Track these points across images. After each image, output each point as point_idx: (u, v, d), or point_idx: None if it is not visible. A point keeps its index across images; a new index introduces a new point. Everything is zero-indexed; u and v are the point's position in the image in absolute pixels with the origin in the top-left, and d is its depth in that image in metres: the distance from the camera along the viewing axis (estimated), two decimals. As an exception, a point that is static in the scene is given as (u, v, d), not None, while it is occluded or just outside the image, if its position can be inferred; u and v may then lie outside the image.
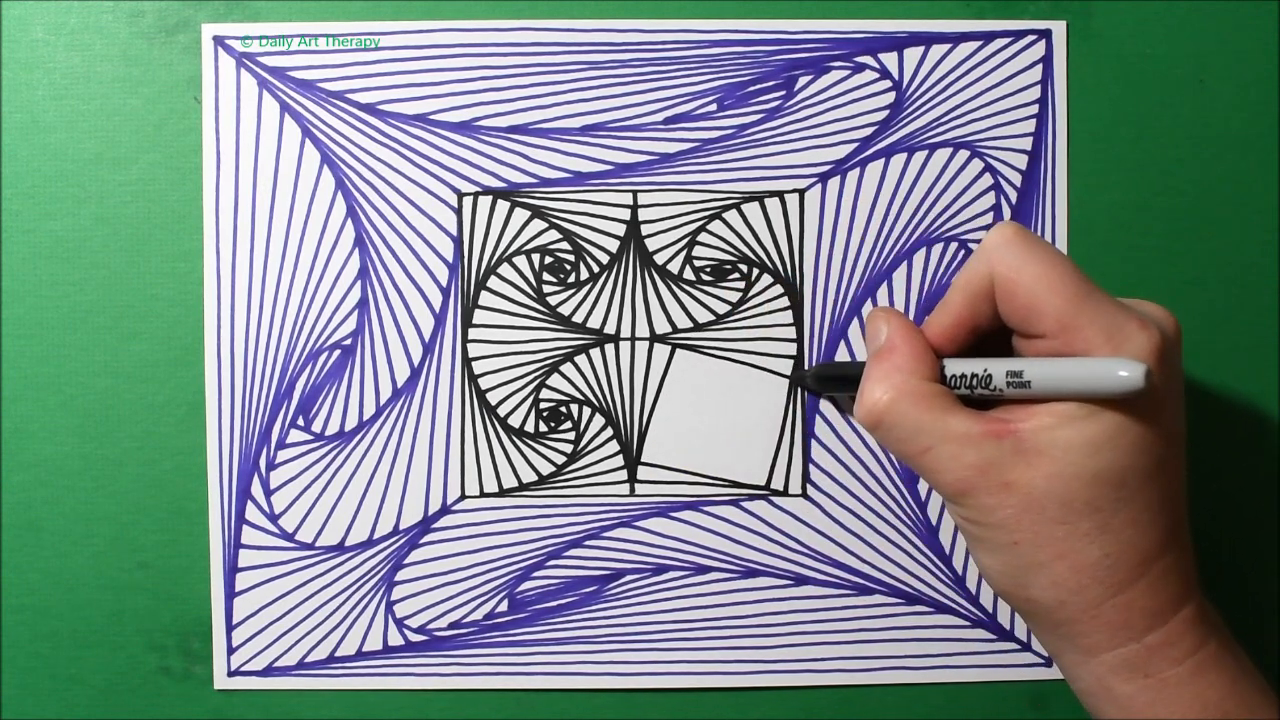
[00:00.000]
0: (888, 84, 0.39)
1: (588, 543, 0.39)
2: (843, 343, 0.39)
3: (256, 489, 0.39)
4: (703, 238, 0.39)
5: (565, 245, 0.39)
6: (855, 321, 0.39)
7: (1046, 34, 0.39)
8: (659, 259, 0.39)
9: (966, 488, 0.29)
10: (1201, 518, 0.40)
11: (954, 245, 0.39)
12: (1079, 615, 0.29)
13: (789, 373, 0.39)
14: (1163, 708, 0.29)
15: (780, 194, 0.39)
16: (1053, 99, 0.39)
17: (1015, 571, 0.29)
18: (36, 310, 0.39)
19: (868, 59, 0.39)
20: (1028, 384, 0.29)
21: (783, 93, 0.39)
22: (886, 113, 0.39)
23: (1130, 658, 0.29)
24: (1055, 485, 0.28)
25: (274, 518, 0.39)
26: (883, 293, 0.39)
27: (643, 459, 0.39)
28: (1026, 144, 0.39)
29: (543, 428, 0.39)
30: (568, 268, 0.39)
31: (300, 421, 0.39)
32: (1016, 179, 0.39)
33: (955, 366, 0.31)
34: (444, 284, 0.39)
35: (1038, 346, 0.30)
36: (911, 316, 0.39)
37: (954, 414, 0.30)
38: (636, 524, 0.39)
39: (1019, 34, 0.39)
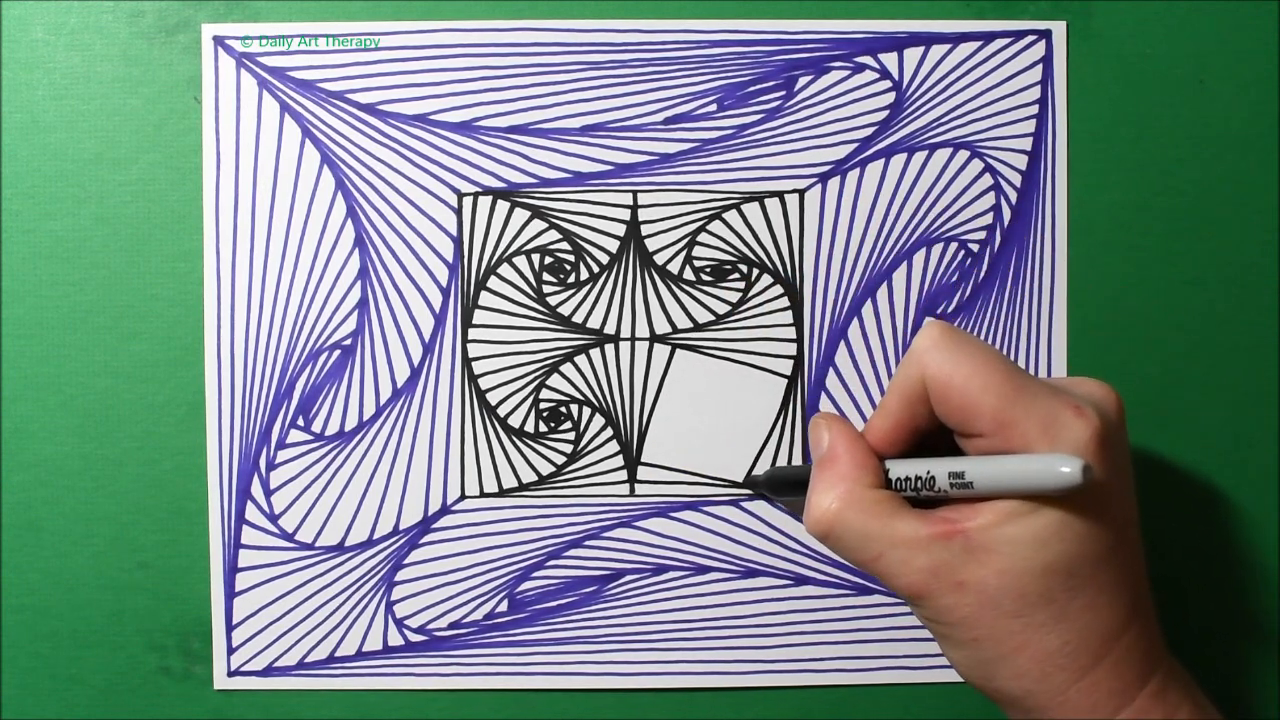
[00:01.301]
0: (888, 84, 0.39)
1: (588, 543, 0.39)
2: (842, 343, 0.39)
3: (256, 489, 0.39)
4: (703, 238, 0.39)
5: (565, 245, 0.39)
6: (855, 322, 0.39)
7: (1046, 34, 0.39)
8: (659, 259, 0.39)
9: (922, 591, 0.29)
10: (1202, 517, 0.40)
11: (954, 245, 0.39)
12: (1047, 703, 0.29)
13: (789, 373, 0.39)
14: None
15: (780, 194, 0.39)
16: (1053, 99, 0.39)
17: (980, 665, 0.30)
18: (36, 310, 0.39)
19: (868, 59, 0.39)
20: (970, 484, 0.29)
21: (783, 93, 0.39)
22: (886, 113, 0.39)
23: None
24: (1007, 581, 0.28)
25: (274, 518, 0.39)
26: (882, 293, 0.39)
27: (643, 459, 0.39)
28: (1026, 144, 0.39)
29: (543, 428, 0.39)
30: (568, 268, 0.39)
31: (300, 421, 0.39)
32: (1016, 179, 0.39)
33: (899, 469, 0.31)
34: (444, 284, 0.39)
35: (977, 445, 0.30)
36: (910, 317, 0.39)
37: (901, 519, 0.30)
38: (636, 524, 0.39)
39: (1019, 34, 0.39)
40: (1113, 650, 0.29)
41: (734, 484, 0.39)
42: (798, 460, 0.39)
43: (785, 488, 0.37)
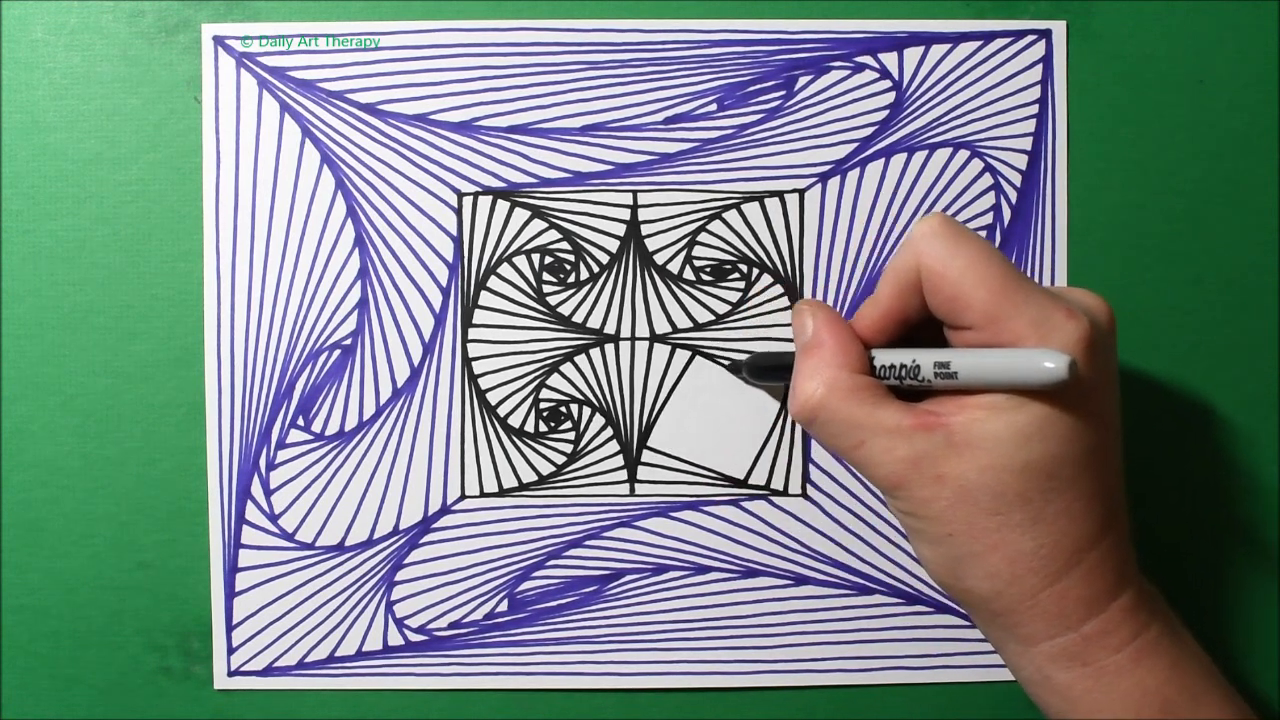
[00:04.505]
0: (888, 84, 0.39)
1: (588, 543, 0.39)
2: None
3: (256, 489, 0.39)
4: (703, 238, 0.39)
5: (565, 245, 0.39)
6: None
7: (1046, 34, 0.39)
8: (659, 259, 0.39)
9: (900, 481, 0.29)
10: (1199, 517, 0.40)
11: (954, 245, 0.39)
12: (1016, 605, 0.29)
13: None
14: (1101, 695, 0.29)
15: (780, 194, 0.39)
16: (1053, 99, 0.39)
17: (951, 563, 0.30)
18: (36, 310, 0.39)
19: (868, 59, 0.39)
20: (955, 375, 0.29)
21: (783, 93, 0.39)
22: (886, 113, 0.39)
23: (1069, 647, 0.29)
24: (987, 477, 0.28)
25: (274, 518, 0.39)
26: (883, 293, 0.39)
27: (643, 459, 0.39)
28: (1026, 144, 0.39)
29: (543, 428, 0.39)
30: (568, 268, 0.39)
31: (300, 421, 0.39)
32: (1016, 179, 0.39)
33: (884, 357, 0.31)
34: (444, 284, 0.39)
35: (967, 338, 0.29)
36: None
37: (885, 407, 0.30)
38: (636, 524, 0.39)
39: (1019, 34, 0.39)
40: (1086, 558, 0.29)
41: (734, 483, 0.39)
42: (798, 461, 0.39)
43: (769, 373, 0.37)
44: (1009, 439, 0.28)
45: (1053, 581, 0.29)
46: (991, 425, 0.28)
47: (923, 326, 0.32)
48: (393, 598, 0.39)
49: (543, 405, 0.39)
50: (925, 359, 0.30)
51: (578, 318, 0.39)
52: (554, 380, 0.39)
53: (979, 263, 0.29)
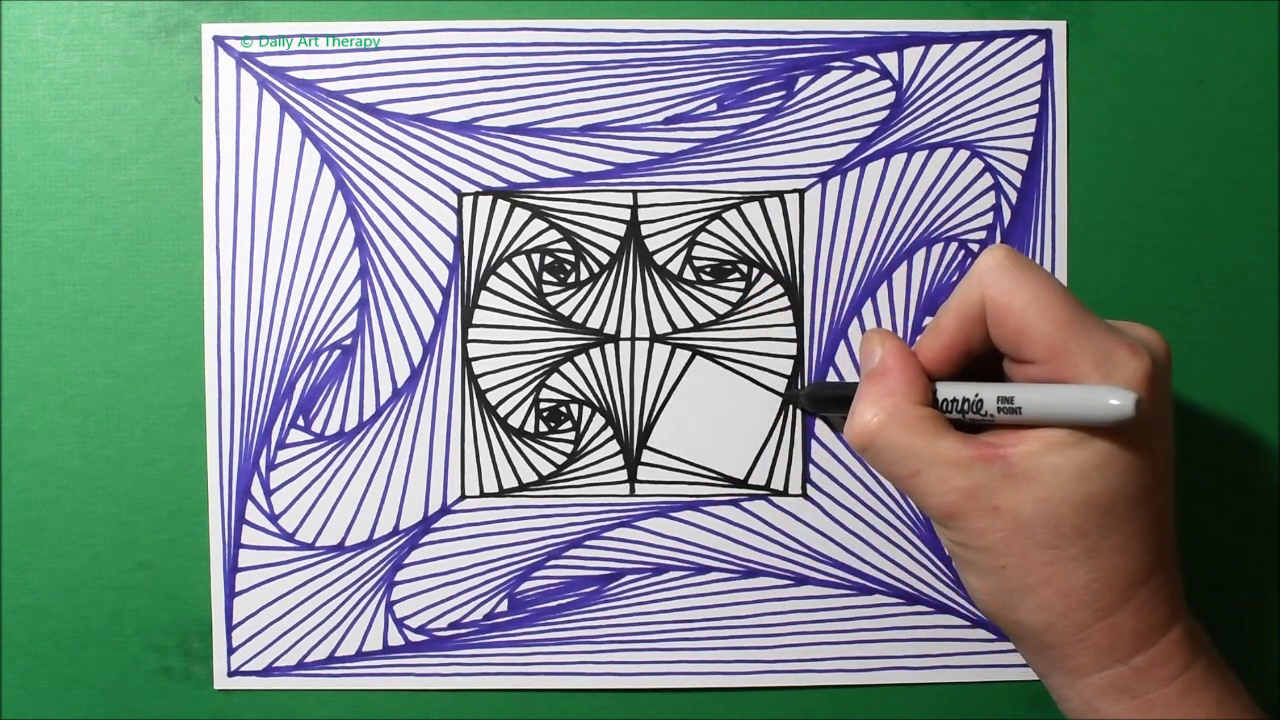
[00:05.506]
0: (888, 84, 0.39)
1: (588, 543, 0.39)
2: (842, 343, 0.39)
3: (256, 489, 0.39)
4: (703, 238, 0.39)
5: (565, 245, 0.39)
6: (855, 322, 0.39)
7: (1046, 34, 0.39)
8: (659, 259, 0.39)
9: (955, 511, 0.29)
10: (1200, 520, 0.40)
11: (954, 245, 0.39)
12: (1066, 638, 0.29)
13: (789, 373, 0.39)
14: None
15: (780, 194, 0.39)
16: (1053, 99, 0.39)
17: (1003, 594, 0.30)
18: (36, 310, 0.39)
19: (868, 59, 0.39)
20: (1018, 410, 0.29)
21: (783, 93, 0.39)
22: (886, 113, 0.39)
23: (1118, 680, 0.29)
24: (1044, 510, 0.28)
25: (274, 518, 0.39)
26: (883, 293, 0.39)
27: (643, 459, 0.39)
28: (1026, 144, 0.39)
29: (543, 428, 0.39)
30: (568, 268, 0.39)
31: (300, 421, 0.39)
32: (1016, 179, 0.39)
33: (947, 390, 0.31)
34: (444, 284, 0.39)
35: (1029, 371, 0.30)
36: (911, 317, 0.39)
37: (943, 438, 0.30)
38: (636, 524, 0.39)
39: (1019, 34, 0.39)
40: (1138, 593, 0.29)
41: (734, 483, 0.39)
42: (798, 461, 0.39)
43: (827, 404, 0.37)
44: (1069, 473, 0.28)
45: (1105, 615, 0.29)
46: (1052, 459, 0.28)
47: (980, 357, 0.32)
48: (393, 598, 0.39)
49: (543, 405, 0.39)
50: (988, 393, 0.30)
51: (578, 318, 0.39)
52: (554, 380, 0.39)
53: (1044, 296, 0.29)
